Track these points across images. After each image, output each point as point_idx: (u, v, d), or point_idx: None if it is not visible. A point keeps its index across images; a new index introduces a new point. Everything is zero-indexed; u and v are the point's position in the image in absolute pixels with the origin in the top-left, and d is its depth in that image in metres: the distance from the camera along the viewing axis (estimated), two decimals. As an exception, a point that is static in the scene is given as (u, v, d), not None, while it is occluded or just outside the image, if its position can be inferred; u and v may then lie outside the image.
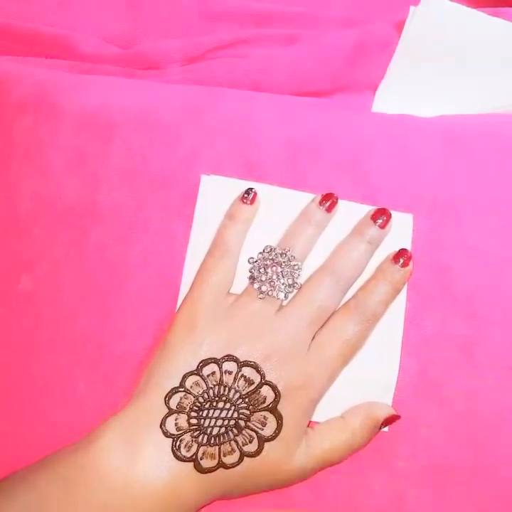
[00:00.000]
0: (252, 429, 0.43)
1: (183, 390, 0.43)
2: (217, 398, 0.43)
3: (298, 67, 0.56)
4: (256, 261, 0.46)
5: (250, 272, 0.46)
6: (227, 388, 0.43)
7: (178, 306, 0.47)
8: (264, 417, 0.43)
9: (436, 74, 0.56)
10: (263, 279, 0.45)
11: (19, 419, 0.48)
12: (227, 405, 0.43)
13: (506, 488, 0.45)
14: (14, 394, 0.48)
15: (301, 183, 0.49)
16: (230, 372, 0.44)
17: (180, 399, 0.43)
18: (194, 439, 0.42)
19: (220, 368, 0.44)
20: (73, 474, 0.41)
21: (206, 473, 0.42)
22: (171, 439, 0.42)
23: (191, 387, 0.44)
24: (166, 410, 0.43)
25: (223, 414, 0.43)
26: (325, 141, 0.50)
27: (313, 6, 0.60)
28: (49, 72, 0.54)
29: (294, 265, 0.46)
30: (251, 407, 0.43)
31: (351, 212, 0.48)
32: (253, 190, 0.48)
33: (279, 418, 0.43)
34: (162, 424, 0.42)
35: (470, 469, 0.45)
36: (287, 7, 0.59)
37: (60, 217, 0.49)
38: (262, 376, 0.43)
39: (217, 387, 0.44)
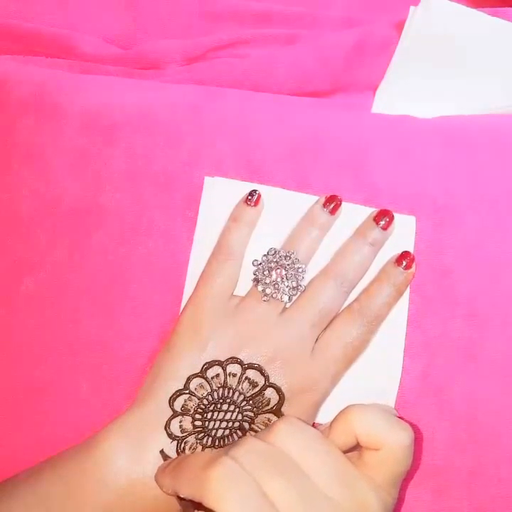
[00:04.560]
0: (256, 431, 0.43)
1: (187, 392, 0.43)
2: (221, 400, 0.44)
3: (298, 67, 0.56)
4: (260, 263, 0.46)
5: (254, 274, 0.46)
6: (231, 390, 0.44)
7: (181, 308, 0.47)
8: (268, 419, 0.43)
9: (436, 74, 0.56)
10: (267, 281, 0.45)
11: (22, 420, 0.48)
12: (232, 407, 0.43)
13: (506, 490, 0.45)
14: (17, 395, 0.48)
15: (303, 184, 0.49)
16: (234, 375, 0.44)
17: (185, 401, 0.43)
18: (199, 441, 0.43)
19: (224, 370, 0.44)
20: (76, 478, 0.41)
21: None
22: (176, 441, 0.42)
23: (195, 389, 0.44)
24: (171, 412, 0.43)
25: (227, 417, 0.43)
26: (325, 142, 0.50)
27: (313, 6, 0.60)
28: (49, 72, 0.54)
29: (298, 268, 0.46)
30: (255, 409, 0.43)
31: (354, 214, 0.48)
32: (257, 192, 0.48)
33: None
34: (167, 426, 0.43)
35: (470, 470, 0.45)
36: (287, 7, 0.59)
37: (62, 219, 0.49)
38: (266, 378, 0.43)
39: (221, 389, 0.44)
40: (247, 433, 0.43)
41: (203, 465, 0.35)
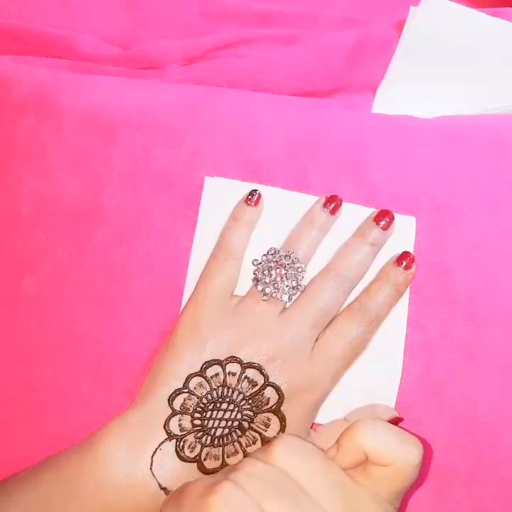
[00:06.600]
0: (255, 431, 0.43)
1: (186, 391, 0.43)
2: (220, 399, 0.44)
3: (298, 67, 0.56)
4: (260, 263, 0.46)
5: (254, 273, 0.46)
6: (230, 390, 0.44)
7: (181, 308, 0.47)
8: (268, 419, 0.43)
9: (436, 74, 0.56)
10: (267, 281, 0.45)
11: (22, 419, 0.48)
12: (231, 406, 0.43)
13: (506, 490, 0.45)
14: (17, 395, 0.48)
15: (303, 184, 0.49)
16: (234, 374, 0.44)
17: (184, 400, 0.43)
18: (198, 440, 0.43)
19: (224, 369, 0.44)
20: (76, 477, 0.42)
21: (210, 474, 0.42)
22: (175, 440, 0.42)
23: (195, 388, 0.44)
24: (170, 411, 0.43)
25: (227, 416, 0.43)
26: (325, 142, 0.50)
27: (313, 6, 0.60)
28: (49, 72, 0.54)
29: (298, 267, 0.46)
30: (254, 408, 0.43)
31: (354, 214, 0.48)
32: (257, 191, 0.48)
33: (282, 419, 0.43)
34: (166, 425, 0.43)
35: (470, 470, 0.45)
36: (287, 7, 0.59)
37: (62, 219, 0.49)
38: (266, 378, 0.43)
39: (220, 388, 0.44)
40: (246, 432, 0.43)
41: (201, 493, 0.35)
